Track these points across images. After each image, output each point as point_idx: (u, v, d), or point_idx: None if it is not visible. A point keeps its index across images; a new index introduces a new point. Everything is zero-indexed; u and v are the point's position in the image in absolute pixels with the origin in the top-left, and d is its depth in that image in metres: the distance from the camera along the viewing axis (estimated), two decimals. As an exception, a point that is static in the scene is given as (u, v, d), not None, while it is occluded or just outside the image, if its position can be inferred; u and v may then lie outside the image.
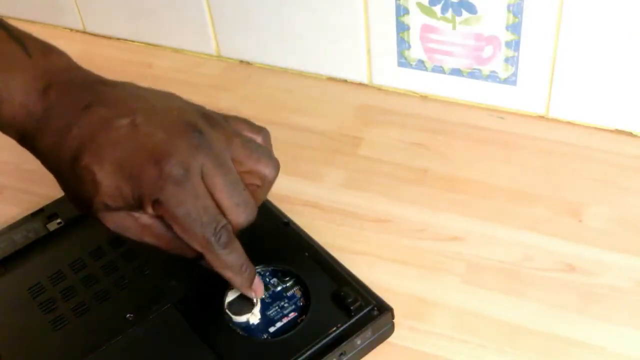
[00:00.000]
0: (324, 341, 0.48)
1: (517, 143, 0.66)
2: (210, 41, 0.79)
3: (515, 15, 0.62)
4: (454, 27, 0.65)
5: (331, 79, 0.75)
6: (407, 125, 0.69)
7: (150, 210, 0.44)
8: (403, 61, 0.70)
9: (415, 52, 0.69)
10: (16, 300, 0.54)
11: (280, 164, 0.49)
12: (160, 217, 0.45)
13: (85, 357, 0.49)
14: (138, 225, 0.46)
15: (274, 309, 0.51)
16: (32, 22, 0.84)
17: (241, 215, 0.46)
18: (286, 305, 0.52)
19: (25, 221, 0.60)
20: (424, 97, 0.72)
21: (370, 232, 0.60)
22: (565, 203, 0.60)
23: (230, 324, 0.50)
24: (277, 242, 0.56)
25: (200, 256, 0.46)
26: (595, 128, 0.66)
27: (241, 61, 0.79)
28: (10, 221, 0.60)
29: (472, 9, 0.64)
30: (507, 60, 0.65)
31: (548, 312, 0.53)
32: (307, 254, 0.54)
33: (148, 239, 0.46)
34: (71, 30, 0.86)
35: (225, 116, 0.48)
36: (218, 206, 0.45)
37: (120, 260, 0.56)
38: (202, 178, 0.44)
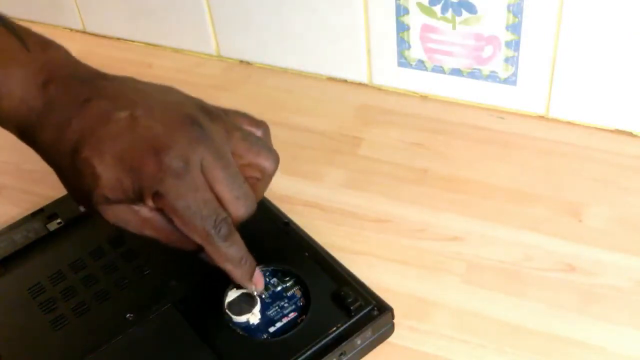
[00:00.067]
0: (324, 341, 0.48)
1: (517, 143, 0.66)
2: (210, 41, 0.79)
3: (515, 15, 0.62)
4: (454, 27, 0.65)
5: (331, 79, 0.75)
6: (407, 125, 0.69)
7: (150, 202, 0.44)
8: (403, 61, 0.70)
9: (415, 52, 0.69)
10: (16, 300, 0.54)
11: (280, 164, 0.49)
12: (160, 210, 0.45)
13: (85, 357, 0.49)
14: (138, 218, 0.46)
15: (274, 309, 0.51)
16: (32, 22, 0.84)
17: (241, 208, 0.46)
18: (286, 305, 0.52)
19: (25, 221, 0.60)
20: (424, 97, 0.72)
21: (370, 232, 0.60)
22: (565, 203, 0.60)
23: (230, 324, 0.50)
24: (277, 242, 0.56)
25: (200, 249, 0.46)
26: (595, 128, 0.66)
27: (241, 61, 0.79)
28: (10, 221, 0.60)
29: (472, 9, 0.64)
30: (507, 60, 0.65)
31: (548, 312, 0.53)
32: (307, 254, 0.54)
33: (148, 232, 0.46)
34: (71, 30, 0.86)
35: (225, 110, 0.49)
36: (218, 199, 0.45)
37: (120, 260, 0.56)
38: (202, 171, 0.44)
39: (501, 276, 0.55)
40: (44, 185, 0.64)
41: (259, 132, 0.49)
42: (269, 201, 0.58)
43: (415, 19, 0.66)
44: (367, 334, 0.50)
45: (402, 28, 0.68)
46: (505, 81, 0.67)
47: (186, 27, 0.79)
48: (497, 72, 0.67)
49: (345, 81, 0.74)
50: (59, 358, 0.50)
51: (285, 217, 0.58)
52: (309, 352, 0.48)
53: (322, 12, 0.70)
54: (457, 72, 0.68)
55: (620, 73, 0.62)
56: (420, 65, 0.69)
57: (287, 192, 0.63)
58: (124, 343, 0.50)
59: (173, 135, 0.44)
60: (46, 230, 0.59)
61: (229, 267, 0.47)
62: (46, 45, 0.47)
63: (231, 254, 0.46)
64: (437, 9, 0.65)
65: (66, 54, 0.48)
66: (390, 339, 0.52)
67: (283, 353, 0.48)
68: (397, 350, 0.51)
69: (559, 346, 0.51)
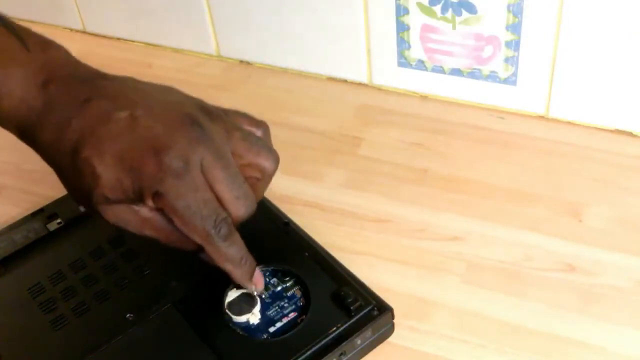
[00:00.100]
0: (324, 341, 0.48)
1: (517, 143, 0.66)
2: (210, 41, 0.79)
3: (515, 15, 0.62)
4: (454, 27, 0.65)
5: (331, 79, 0.75)
6: (407, 125, 0.69)
7: (150, 202, 0.44)
8: (403, 61, 0.70)
9: (415, 52, 0.69)
10: (16, 300, 0.54)
11: (280, 164, 0.49)
12: (160, 210, 0.45)
13: (85, 357, 0.49)
14: (138, 218, 0.46)
15: (274, 309, 0.51)
16: (32, 22, 0.84)
17: (241, 208, 0.46)
18: (286, 305, 0.52)
19: (25, 221, 0.60)
20: (424, 97, 0.72)
21: (370, 232, 0.60)
22: (565, 203, 0.60)
23: (230, 324, 0.50)
24: (277, 242, 0.56)
25: (200, 249, 0.46)
26: (595, 128, 0.66)
27: (241, 61, 0.79)
28: (10, 221, 0.60)
29: (472, 9, 0.64)
30: (507, 60, 0.65)
31: (548, 312, 0.53)
32: (307, 254, 0.54)
33: (148, 232, 0.46)
34: (71, 30, 0.86)
35: (225, 110, 0.49)
36: (218, 199, 0.45)
37: (120, 260, 0.56)
38: (202, 171, 0.44)
39: (501, 276, 0.55)
40: (44, 185, 0.64)
41: (259, 132, 0.49)
42: (269, 201, 0.58)
43: (415, 19, 0.66)
44: (367, 334, 0.50)
45: (402, 28, 0.68)
46: (505, 81, 0.67)
47: (186, 27, 0.79)
48: (497, 72, 0.67)
49: (345, 81, 0.74)
50: (59, 358, 0.50)
51: (285, 217, 0.58)
52: (309, 352, 0.48)
53: (322, 12, 0.70)
54: (457, 72, 0.68)
55: (620, 73, 0.62)
56: (420, 65, 0.69)
57: (287, 192, 0.63)
58: (124, 343, 0.50)
59: (173, 135, 0.44)
60: (46, 230, 0.59)
61: (229, 267, 0.47)
62: (46, 45, 0.48)
63: (231, 254, 0.46)
64: (437, 9, 0.65)
65: (66, 53, 0.48)
66: (390, 339, 0.52)
67: (283, 353, 0.48)
68: (397, 350, 0.51)
69: (559, 346, 0.51)
